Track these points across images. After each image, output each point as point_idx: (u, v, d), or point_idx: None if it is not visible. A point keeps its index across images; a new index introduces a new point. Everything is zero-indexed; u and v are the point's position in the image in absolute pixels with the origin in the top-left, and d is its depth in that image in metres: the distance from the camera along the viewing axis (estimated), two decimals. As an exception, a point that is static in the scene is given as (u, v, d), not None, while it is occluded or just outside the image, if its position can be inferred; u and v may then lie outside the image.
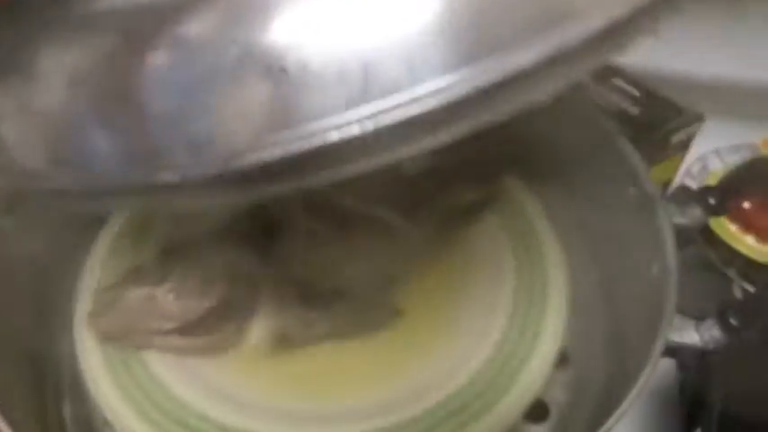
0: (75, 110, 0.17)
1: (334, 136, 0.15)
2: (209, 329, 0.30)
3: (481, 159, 0.39)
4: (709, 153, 0.54)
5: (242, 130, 0.15)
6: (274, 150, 0.15)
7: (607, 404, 0.27)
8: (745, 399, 0.26)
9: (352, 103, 0.15)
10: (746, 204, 0.53)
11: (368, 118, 0.15)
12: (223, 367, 0.31)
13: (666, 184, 0.51)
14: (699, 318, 0.27)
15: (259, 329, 0.31)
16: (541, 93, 0.17)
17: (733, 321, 0.25)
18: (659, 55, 0.58)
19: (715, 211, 0.30)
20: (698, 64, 0.58)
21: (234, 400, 0.30)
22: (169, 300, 0.29)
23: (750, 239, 0.50)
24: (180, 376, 0.31)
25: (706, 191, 0.30)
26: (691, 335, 0.26)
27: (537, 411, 0.32)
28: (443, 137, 0.16)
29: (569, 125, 0.37)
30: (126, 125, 0.16)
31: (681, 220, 0.31)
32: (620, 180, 0.33)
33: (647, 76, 0.51)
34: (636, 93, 0.49)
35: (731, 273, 0.48)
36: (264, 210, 0.34)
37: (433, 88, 0.15)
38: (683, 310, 0.27)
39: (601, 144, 0.35)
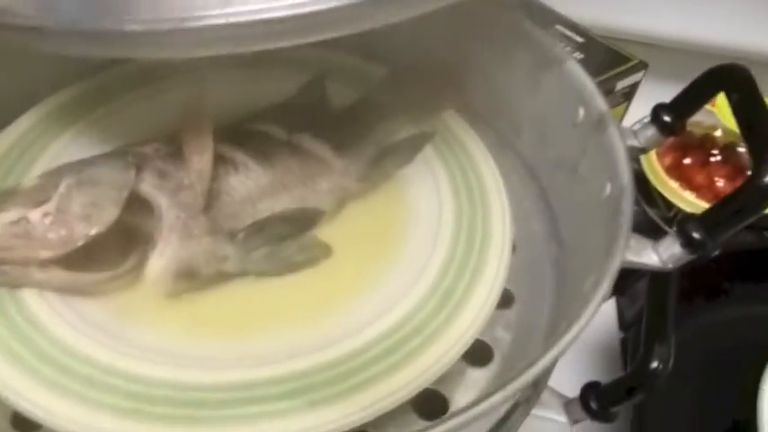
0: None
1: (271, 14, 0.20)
2: (100, 262, 0.25)
3: (420, 92, 0.36)
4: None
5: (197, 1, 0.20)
6: (218, 19, 0.20)
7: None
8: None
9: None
10: (687, 161, 0.53)
11: (289, 7, 0.20)
12: (118, 307, 0.26)
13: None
14: (656, 238, 0.24)
15: (159, 262, 0.26)
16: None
17: (696, 235, 0.22)
18: (601, 7, 0.56)
19: (671, 130, 0.28)
20: (640, 18, 0.57)
21: (131, 345, 0.25)
22: (45, 224, 0.24)
23: (690, 195, 0.50)
24: (65, 318, 0.26)
25: (660, 108, 0.28)
26: (649, 255, 0.24)
27: (480, 354, 0.29)
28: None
29: (511, 51, 0.34)
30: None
31: (634, 142, 0.28)
32: (569, 102, 0.30)
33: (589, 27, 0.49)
34: (579, 39, 0.48)
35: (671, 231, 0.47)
36: (171, 131, 0.29)
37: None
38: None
39: (547, 68, 0.32)
